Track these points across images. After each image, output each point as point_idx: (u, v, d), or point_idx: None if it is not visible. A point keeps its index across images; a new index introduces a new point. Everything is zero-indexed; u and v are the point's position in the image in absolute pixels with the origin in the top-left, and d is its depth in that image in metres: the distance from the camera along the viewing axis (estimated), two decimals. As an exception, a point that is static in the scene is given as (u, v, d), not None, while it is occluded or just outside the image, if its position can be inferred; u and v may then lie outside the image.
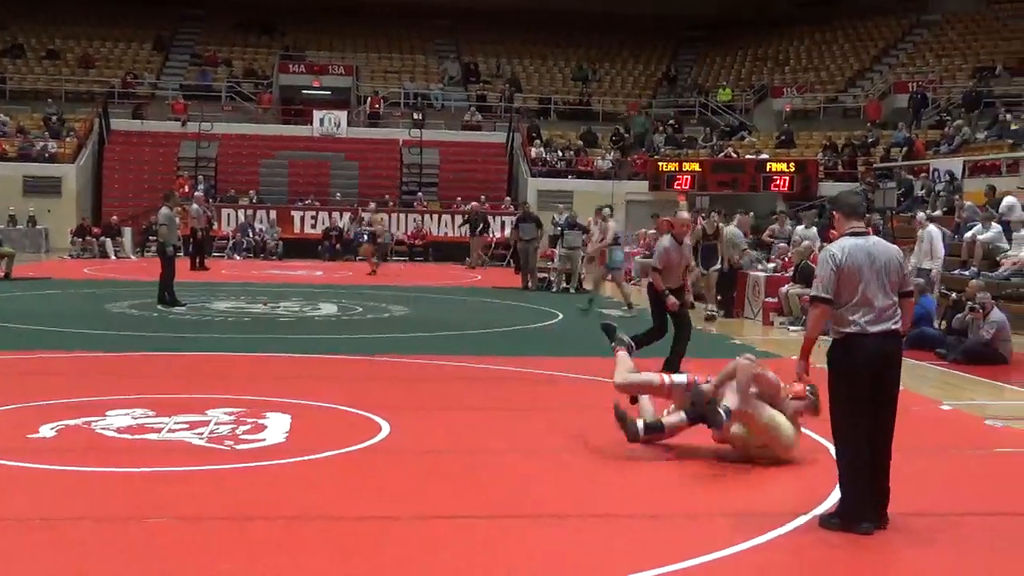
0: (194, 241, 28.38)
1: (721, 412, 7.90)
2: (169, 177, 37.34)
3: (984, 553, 6.23)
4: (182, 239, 25.44)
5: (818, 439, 8.43)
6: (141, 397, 9.95)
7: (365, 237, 31.04)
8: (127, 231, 34.33)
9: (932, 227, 19.18)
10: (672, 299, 12.01)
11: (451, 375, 12.44)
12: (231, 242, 34.16)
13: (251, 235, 34.74)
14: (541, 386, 11.83)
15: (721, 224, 20.09)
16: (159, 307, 18.38)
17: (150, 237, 34.19)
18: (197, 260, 27.81)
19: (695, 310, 19.15)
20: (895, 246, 6.97)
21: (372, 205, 33.65)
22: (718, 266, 19.40)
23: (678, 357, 11.73)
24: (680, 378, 8.73)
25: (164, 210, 19.58)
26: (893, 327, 6.52)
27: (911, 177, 28.98)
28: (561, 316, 18.90)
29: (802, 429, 8.25)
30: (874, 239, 6.74)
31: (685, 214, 12.91)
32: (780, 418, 8.07)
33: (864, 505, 6.43)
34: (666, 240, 12.32)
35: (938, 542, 6.43)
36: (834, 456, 6.80)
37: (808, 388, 7.88)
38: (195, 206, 29.09)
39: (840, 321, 6.56)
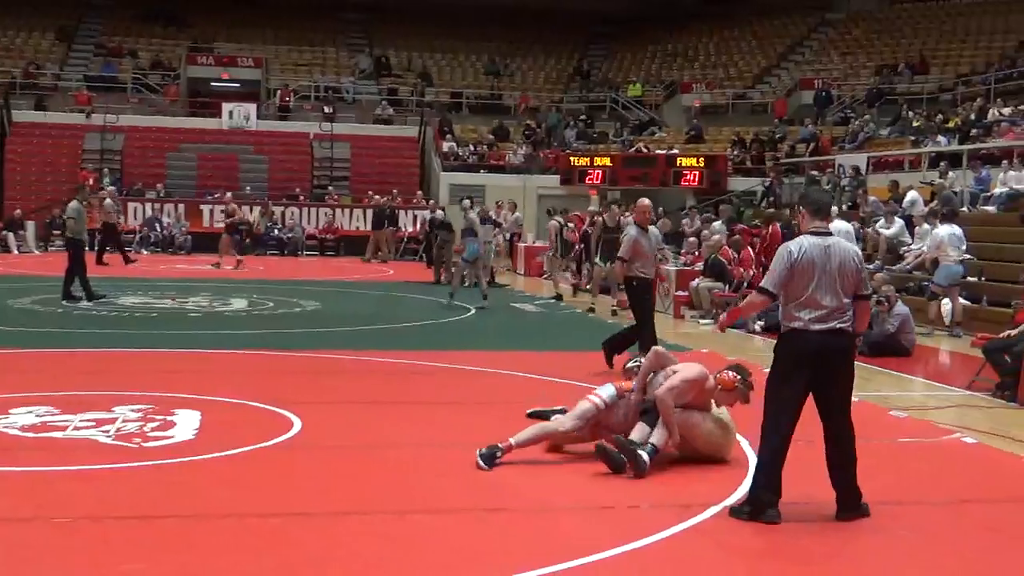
0: (107, 235, 28.01)
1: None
2: (73, 170, 36.63)
3: (889, 540, 6.36)
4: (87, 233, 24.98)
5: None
6: (45, 395, 9.73)
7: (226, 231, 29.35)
8: (30, 225, 33.54)
9: (840, 222, 19.31)
10: (623, 296, 12.02)
11: (363, 370, 12.39)
12: (138, 236, 33.59)
13: (159, 229, 34.21)
14: (453, 380, 11.82)
15: (622, 217, 20.13)
16: (64, 302, 18.02)
17: (54, 231, 33.55)
18: (123, 256, 27.52)
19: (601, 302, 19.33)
20: (854, 248, 6.97)
21: (228, 195, 32.28)
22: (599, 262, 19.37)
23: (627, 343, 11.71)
24: (608, 391, 8.24)
25: (74, 203, 19.30)
26: (839, 326, 6.53)
27: (816, 173, 29.48)
28: (473, 311, 18.91)
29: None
30: (834, 239, 6.74)
31: (646, 200, 12.59)
32: (716, 426, 7.99)
33: (771, 494, 6.53)
34: (632, 230, 12.14)
35: (843, 530, 6.56)
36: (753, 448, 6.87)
37: (739, 377, 7.79)
38: (108, 200, 28.61)
39: (787, 316, 6.62)
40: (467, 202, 22.51)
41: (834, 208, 21.83)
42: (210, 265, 27.24)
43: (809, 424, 6.68)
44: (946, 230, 17.99)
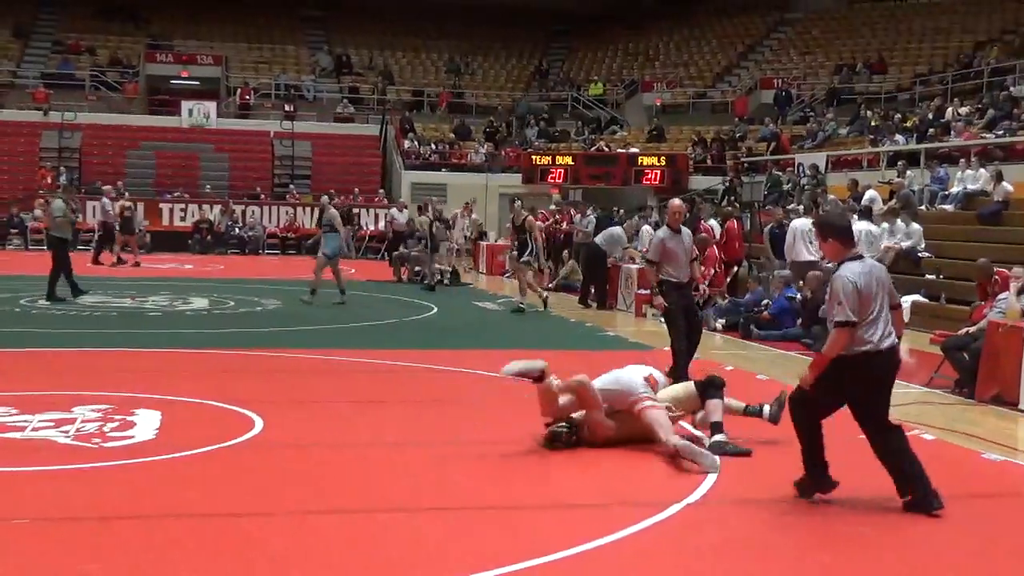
0: (106, 235, 28.22)
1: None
2: (31, 168, 36.31)
3: (849, 534, 6.42)
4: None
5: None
6: (3, 394, 9.63)
7: (117, 227, 28.49)
8: (-14, 223, 33.25)
9: (801, 220, 19.22)
10: (659, 299, 11.54)
11: (325, 369, 12.35)
12: (97, 235, 33.23)
13: (117, 228, 33.85)
14: (415, 379, 11.80)
15: (527, 215, 20.03)
16: (42, 301, 17.90)
17: (11, 229, 33.24)
18: (117, 256, 27.60)
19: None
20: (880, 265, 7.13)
21: (109, 187, 30.67)
22: (527, 257, 19.32)
23: (682, 358, 11.21)
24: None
25: (58, 202, 19.30)
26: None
27: (779, 173, 29.66)
28: (436, 309, 18.89)
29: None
30: (871, 261, 6.97)
31: (676, 201, 12.07)
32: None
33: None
34: (661, 231, 11.73)
35: (806, 525, 6.62)
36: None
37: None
38: (105, 200, 28.39)
39: (858, 341, 6.67)
40: (325, 198, 22.50)
41: (800, 207, 22.04)
42: (131, 264, 26.97)
43: (771, 424, 6.69)
44: (862, 226, 18.13)
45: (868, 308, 6.62)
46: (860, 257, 6.86)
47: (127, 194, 31.08)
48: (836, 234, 6.91)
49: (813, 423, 6.93)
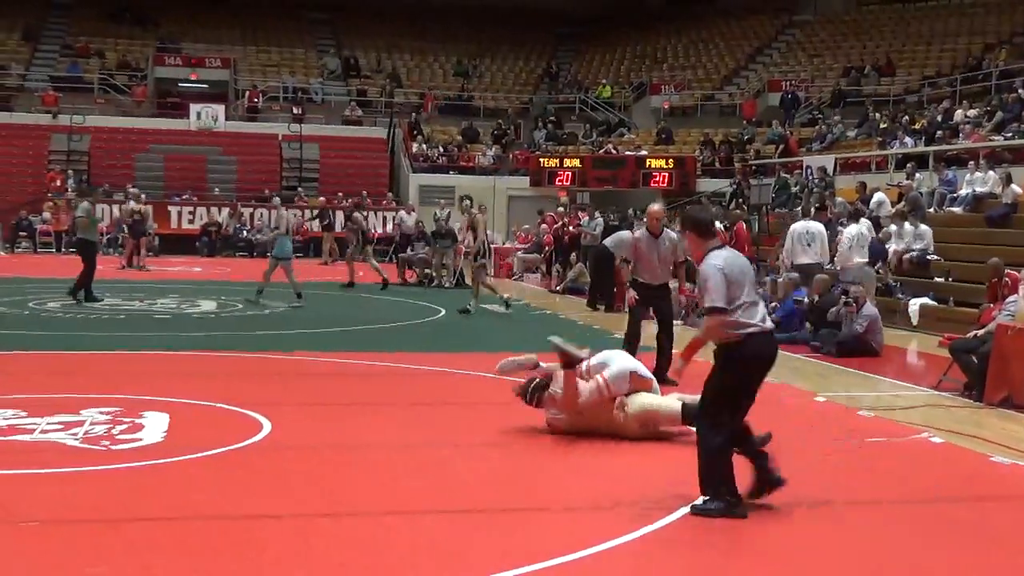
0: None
1: None
2: (40, 171, 36.42)
3: (859, 539, 6.40)
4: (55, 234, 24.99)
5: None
6: (12, 397, 9.65)
7: (125, 229, 28.69)
8: (-5, 226, 33.35)
9: (812, 223, 19.12)
10: (631, 293, 11.85)
11: (332, 371, 12.35)
12: (105, 238, 33.32)
13: (126, 231, 33.93)
14: (423, 381, 11.80)
15: (476, 213, 20.03)
16: (85, 303, 18.05)
17: (20, 232, 33.33)
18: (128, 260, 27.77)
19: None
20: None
21: (136, 191, 30.85)
22: (481, 260, 19.29)
23: (666, 361, 11.25)
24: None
25: (84, 204, 19.41)
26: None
27: (787, 176, 29.63)
28: (443, 312, 18.89)
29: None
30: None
31: (656, 205, 12.33)
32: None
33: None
34: (638, 232, 12.04)
35: (810, 528, 6.60)
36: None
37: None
38: (132, 203, 28.45)
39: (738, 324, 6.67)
40: (277, 199, 22.50)
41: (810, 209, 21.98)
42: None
43: (780, 426, 6.68)
44: (853, 230, 18.16)
45: (737, 293, 6.66)
46: (723, 247, 6.95)
47: (144, 197, 31.10)
48: (692, 226, 7.01)
49: (737, 428, 6.83)
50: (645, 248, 11.68)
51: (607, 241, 21.08)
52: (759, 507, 6.83)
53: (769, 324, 6.81)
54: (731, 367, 6.70)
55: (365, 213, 23.91)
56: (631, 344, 11.66)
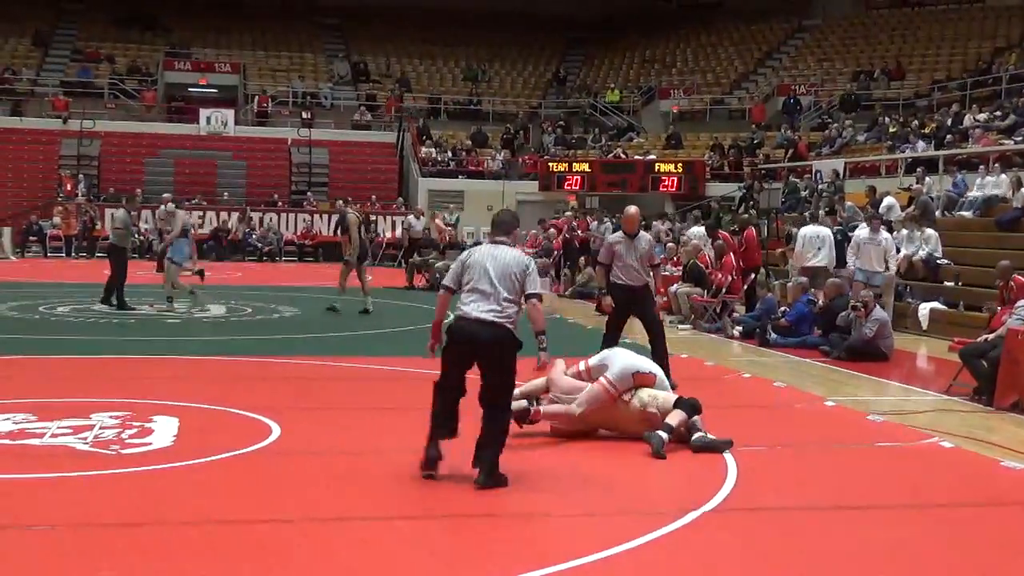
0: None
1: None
2: (50, 176, 36.53)
3: (869, 543, 6.39)
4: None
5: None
6: (23, 401, 9.67)
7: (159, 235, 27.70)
8: (6, 231, 33.37)
9: (819, 227, 19.11)
10: (607, 299, 11.93)
11: (342, 376, 12.36)
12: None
13: (136, 236, 34.01)
14: (431, 386, 11.76)
15: (349, 212, 19.84)
16: (120, 311, 17.96)
17: (30, 236, 33.43)
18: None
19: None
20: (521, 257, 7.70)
21: (168, 195, 29.35)
22: (347, 256, 19.09)
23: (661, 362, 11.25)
24: (626, 381, 8.97)
25: (120, 212, 19.54)
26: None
27: (797, 180, 29.60)
28: (451, 316, 18.85)
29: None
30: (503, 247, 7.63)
31: (633, 208, 12.29)
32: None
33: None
34: (613, 235, 12.13)
35: (819, 534, 6.59)
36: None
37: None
38: (162, 207, 28.37)
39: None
40: (168, 196, 22.15)
41: (820, 212, 22.00)
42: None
43: (790, 431, 6.68)
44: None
45: (467, 278, 7.53)
46: (497, 243, 7.61)
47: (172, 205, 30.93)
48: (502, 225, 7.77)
49: (455, 397, 7.66)
50: (623, 250, 11.74)
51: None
52: (767, 511, 6.82)
53: (473, 312, 7.45)
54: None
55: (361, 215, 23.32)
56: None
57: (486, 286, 7.38)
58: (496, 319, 7.36)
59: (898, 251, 18.83)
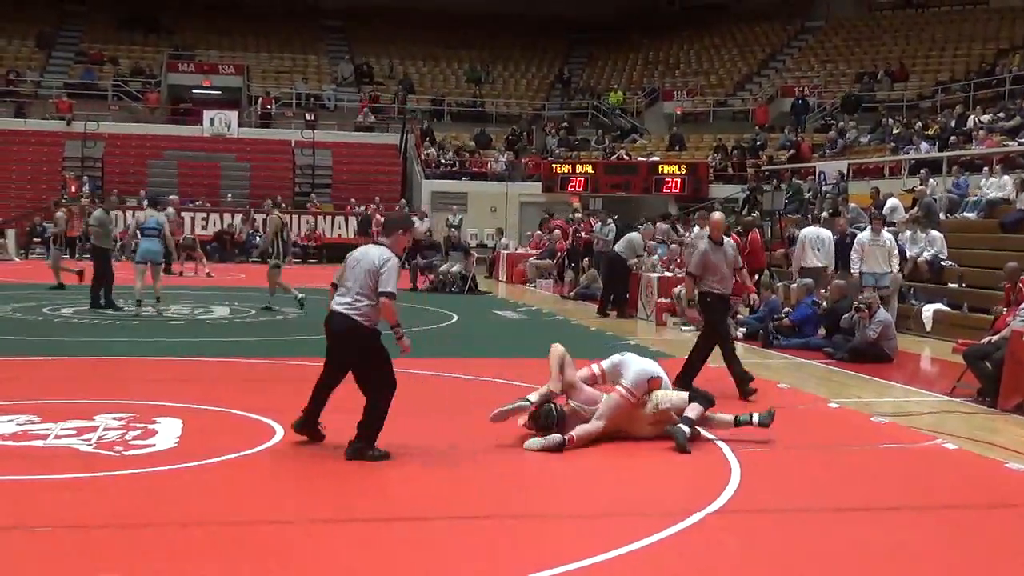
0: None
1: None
2: (54, 177, 36.57)
3: (873, 545, 6.38)
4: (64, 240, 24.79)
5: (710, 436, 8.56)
6: (26, 402, 9.68)
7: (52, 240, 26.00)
8: (10, 232, 33.43)
9: (820, 229, 19.10)
10: (693, 311, 11.78)
11: (345, 378, 12.31)
12: (119, 244, 33.39)
13: (139, 237, 34.01)
14: (435, 387, 11.80)
15: (275, 213, 20.03)
16: (108, 311, 18.04)
17: (34, 238, 33.45)
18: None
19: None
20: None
21: (175, 198, 28.48)
22: (275, 260, 19.18)
23: (693, 368, 11.31)
24: (641, 386, 9.00)
25: (98, 212, 19.48)
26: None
27: (800, 181, 29.58)
28: (456, 318, 18.89)
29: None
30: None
31: (718, 214, 12.18)
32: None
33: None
34: (703, 243, 11.83)
35: (825, 536, 6.58)
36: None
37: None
38: (170, 209, 28.34)
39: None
40: (144, 206, 22.16)
41: (823, 215, 22.03)
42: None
43: (793, 432, 6.68)
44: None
45: (339, 275, 8.39)
46: (377, 244, 8.33)
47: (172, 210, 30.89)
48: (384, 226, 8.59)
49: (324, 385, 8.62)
50: (713, 257, 11.48)
51: (618, 246, 21.07)
52: (772, 512, 6.81)
53: (338, 307, 8.24)
54: None
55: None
56: (693, 374, 11.36)
57: (348, 282, 8.20)
58: (346, 311, 8.15)
59: (902, 253, 18.82)
